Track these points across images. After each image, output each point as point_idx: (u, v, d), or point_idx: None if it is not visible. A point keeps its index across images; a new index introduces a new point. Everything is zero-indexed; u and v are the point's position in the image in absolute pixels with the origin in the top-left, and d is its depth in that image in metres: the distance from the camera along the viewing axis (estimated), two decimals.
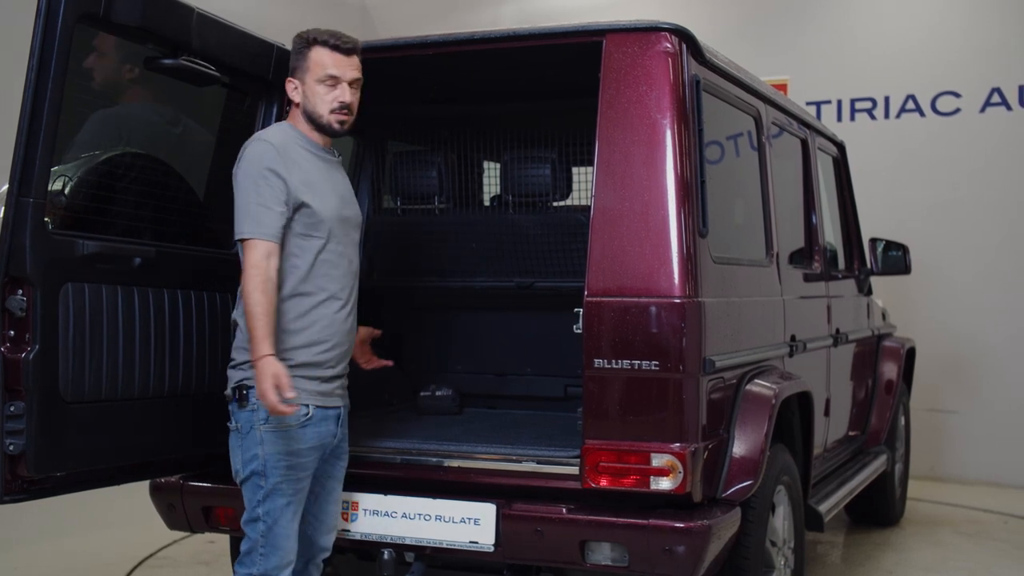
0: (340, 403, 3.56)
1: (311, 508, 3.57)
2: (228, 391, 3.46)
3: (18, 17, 4.30)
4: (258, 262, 3.29)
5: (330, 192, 3.51)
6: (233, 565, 3.48)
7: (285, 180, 3.37)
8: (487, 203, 5.25)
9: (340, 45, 3.50)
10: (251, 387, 3.35)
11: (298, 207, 3.39)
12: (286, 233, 3.39)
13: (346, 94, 3.50)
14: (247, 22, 3.99)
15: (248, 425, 3.39)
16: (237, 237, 3.37)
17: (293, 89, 3.54)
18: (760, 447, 3.70)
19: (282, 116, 4.03)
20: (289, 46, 4.06)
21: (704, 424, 3.51)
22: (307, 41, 3.53)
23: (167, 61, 3.59)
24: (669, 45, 3.55)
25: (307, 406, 3.41)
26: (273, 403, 3.21)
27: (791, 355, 4.44)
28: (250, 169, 3.38)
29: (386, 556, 3.79)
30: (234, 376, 3.44)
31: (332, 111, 3.49)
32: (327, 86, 3.48)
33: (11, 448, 3.15)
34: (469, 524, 3.68)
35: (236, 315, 3.48)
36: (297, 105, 3.54)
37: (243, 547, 3.43)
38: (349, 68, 3.51)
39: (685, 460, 3.39)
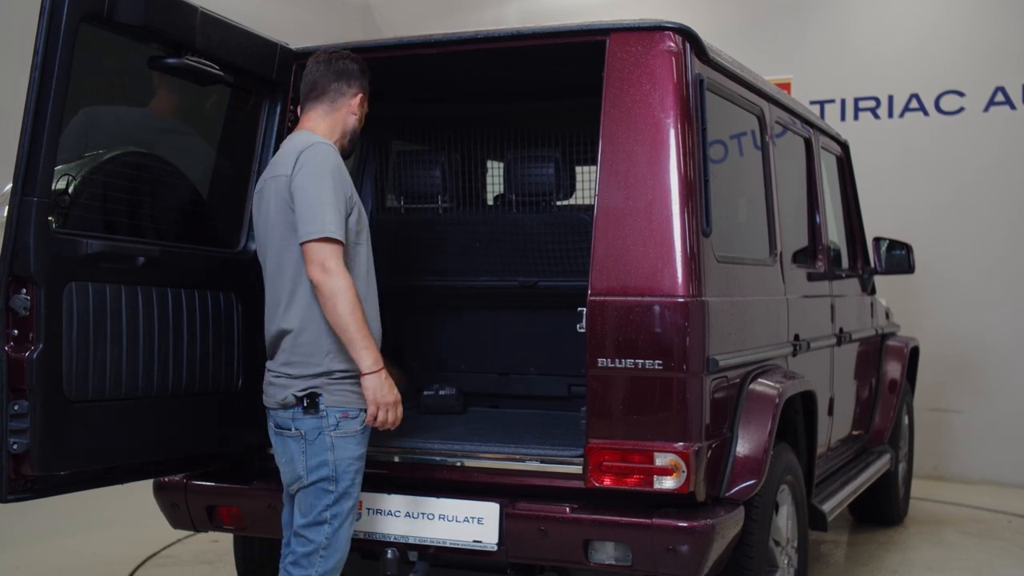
0: None
1: None
2: (287, 397, 3.43)
3: (21, 16, 4.30)
4: (343, 267, 3.31)
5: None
6: (284, 566, 3.48)
7: (348, 181, 3.45)
8: (490, 202, 5.25)
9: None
10: (320, 395, 3.40)
11: (350, 212, 3.43)
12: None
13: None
14: (250, 21, 4.00)
15: (316, 431, 3.40)
16: (319, 235, 3.29)
17: (361, 106, 3.63)
18: (764, 446, 3.70)
19: (285, 115, 4.03)
20: (293, 46, 4.08)
21: (707, 423, 3.51)
22: (365, 72, 3.67)
23: (171, 60, 3.59)
24: (673, 44, 3.55)
25: (365, 411, 3.44)
26: (396, 417, 3.42)
27: (794, 354, 4.43)
28: (325, 169, 3.37)
29: (390, 555, 3.79)
30: (296, 384, 3.42)
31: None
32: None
33: (15, 447, 3.15)
34: (473, 523, 3.68)
35: (287, 323, 3.44)
36: (359, 119, 3.62)
37: (300, 549, 3.43)
38: None
39: (688, 459, 3.39)
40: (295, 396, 3.41)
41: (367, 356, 3.33)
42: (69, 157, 3.49)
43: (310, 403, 3.40)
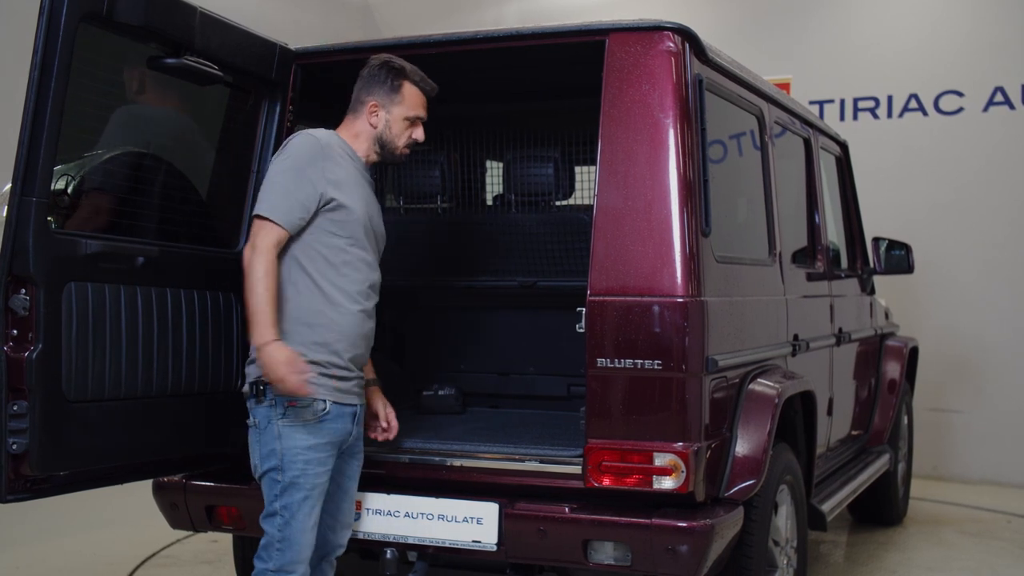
0: (357, 401, 3.58)
1: (326, 506, 3.58)
2: (245, 387, 3.47)
3: (21, 16, 4.30)
4: (269, 247, 3.35)
5: (360, 199, 3.56)
6: (252, 560, 3.50)
7: (321, 174, 3.43)
8: (490, 202, 5.25)
9: (428, 89, 3.67)
10: (268, 383, 3.38)
11: (328, 203, 3.45)
12: (312, 228, 3.44)
13: (421, 133, 3.68)
14: (250, 21, 4.00)
15: (266, 420, 3.41)
16: (256, 212, 3.41)
17: (373, 112, 3.60)
18: (763, 446, 3.70)
19: (285, 115, 4.03)
20: (292, 46, 4.08)
21: (707, 423, 3.51)
22: (399, 72, 3.62)
23: (170, 60, 3.60)
24: (672, 44, 3.55)
25: (324, 401, 3.44)
26: (295, 385, 3.29)
27: (794, 354, 4.43)
28: (290, 157, 3.45)
29: (389, 555, 3.79)
30: (252, 372, 3.46)
31: (406, 146, 3.65)
32: (410, 123, 3.63)
33: (14, 447, 3.15)
34: (472, 523, 3.68)
35: None
36: (373, 125, 3.60)
37: (261, 541, 3.46)
38: (427, 110, 3.68)
39: (688, 459, 3.39)
40: (249, 384, 3.44)
41: (255, 334, 3.31)
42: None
43: (258, 392, 3.41)
